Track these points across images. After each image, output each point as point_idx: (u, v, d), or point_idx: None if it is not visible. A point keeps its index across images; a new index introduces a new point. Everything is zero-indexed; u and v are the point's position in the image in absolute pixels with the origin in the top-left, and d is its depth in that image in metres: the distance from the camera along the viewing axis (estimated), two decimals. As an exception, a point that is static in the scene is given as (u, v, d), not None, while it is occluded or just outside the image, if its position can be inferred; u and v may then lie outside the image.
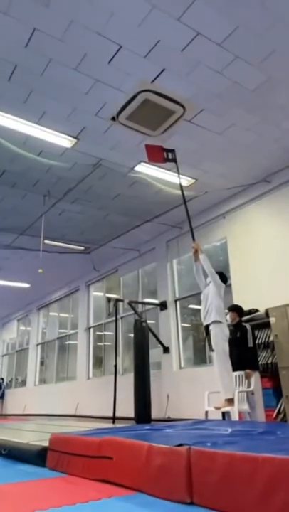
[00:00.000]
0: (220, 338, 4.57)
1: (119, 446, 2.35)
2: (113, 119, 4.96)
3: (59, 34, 3.79)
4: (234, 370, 4.75)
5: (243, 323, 5.43)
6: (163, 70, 4.28)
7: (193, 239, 4.93)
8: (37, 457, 2.95)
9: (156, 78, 4.37)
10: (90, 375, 10.53)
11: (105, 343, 10.38)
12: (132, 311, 8.20)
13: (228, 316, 5.35)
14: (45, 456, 2.90)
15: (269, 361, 5.50)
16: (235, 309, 5.56)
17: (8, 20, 3.62)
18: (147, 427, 3.57)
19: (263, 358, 5.58)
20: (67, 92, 4.51)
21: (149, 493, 2.02)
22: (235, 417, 4.47)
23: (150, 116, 4.93)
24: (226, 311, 5.35)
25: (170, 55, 4.08)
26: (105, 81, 4.38)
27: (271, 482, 1.56)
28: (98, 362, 10.50)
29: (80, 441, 2.69)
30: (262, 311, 5.74)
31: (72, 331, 11.83)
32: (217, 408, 4.65)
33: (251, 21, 3.73)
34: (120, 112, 4.83)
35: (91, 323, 10.91)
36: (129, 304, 8.06)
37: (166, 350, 7.90)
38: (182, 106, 4.77)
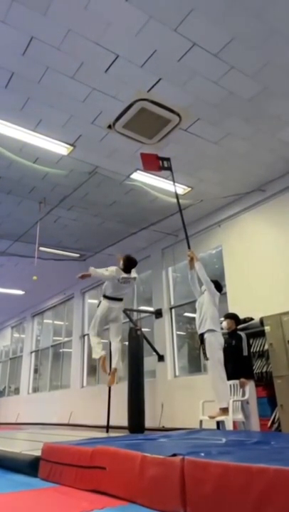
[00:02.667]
0: (215, 347, 4.57)
1: (113, 456, 2.33)
2: (109, 127, 4.99)
3: (56, 43, 3.82)
4: (229, 378, 4.73)
5: (238, 332, 5.42)
6: (159, 80, 4.31)
7: (189, 247, 4.95)
8: (29, 467, 2.90)
9: (152, 87, 4.41)
10: (84, 384, 10.45)
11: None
12: (127, 319, 8.17)
13: (223, 324, 5.33)
14: (37, 465, 2.85)
15: (264, 370, 5.48)
16: (232, 317, 5.55)
17: (6, 28, 3.65)
18: (141, 437, 3.54)
19: (258, 366, 5.57)
20: (64, 99, 4.54)
21: (142, 503, 1.99)
22: (229, 426, 4.45)
23: (146, 125, 4.96)
24: (222, 318, 5.35)
25: (166, 65, 4.12)
26: (102, 89, 4.41)
27: (265, 493, 1.54)
28: (92, 370, 10.41)
29: (73, 451, 2.66)
30: (257, 319, 5.74)
31: (66, 339, 11.75)
32: (211, 417, 4.62)
33: (247, 33, 3.78)
34: (117, 120, 4.86)
35: (86, 331, 10.84)
36: (124, 311, 8.01)
37: (160, 358, 7.86)
38: (178, 115, 4.81)
